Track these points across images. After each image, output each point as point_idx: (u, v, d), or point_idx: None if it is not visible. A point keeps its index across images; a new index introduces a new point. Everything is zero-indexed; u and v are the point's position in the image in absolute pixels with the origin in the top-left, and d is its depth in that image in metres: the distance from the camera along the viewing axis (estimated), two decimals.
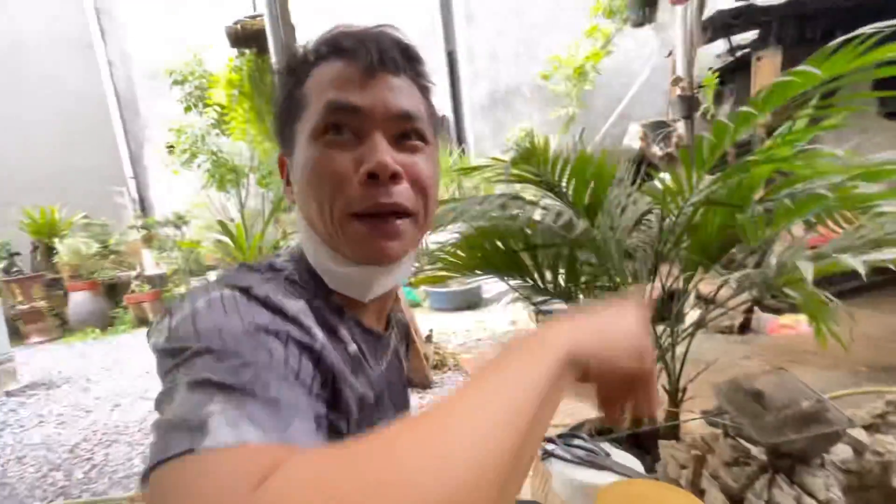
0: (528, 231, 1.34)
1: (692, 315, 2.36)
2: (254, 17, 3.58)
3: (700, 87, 3.70)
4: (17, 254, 5.23)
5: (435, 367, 2.84)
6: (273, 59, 2.38)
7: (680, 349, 1.44)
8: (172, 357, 0.33)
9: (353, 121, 0.43)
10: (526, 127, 5.25)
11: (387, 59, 0.45)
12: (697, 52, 3.59)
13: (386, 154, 0.43)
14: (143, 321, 5.04)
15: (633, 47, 5.40)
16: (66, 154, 5.67)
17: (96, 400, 3.01)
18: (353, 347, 0.47)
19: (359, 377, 0.46)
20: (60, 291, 5.16)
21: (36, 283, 5.03)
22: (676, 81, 3.72)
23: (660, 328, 1.43)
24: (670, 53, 4.14)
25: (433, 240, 1.60)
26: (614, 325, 0.39)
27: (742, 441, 1.23)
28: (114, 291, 5.25)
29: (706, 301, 3.03)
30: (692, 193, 1.14)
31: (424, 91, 0.49)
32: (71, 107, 5.70)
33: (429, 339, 2.98)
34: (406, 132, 0.45)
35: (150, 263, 5.35)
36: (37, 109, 5.61)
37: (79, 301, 5.05)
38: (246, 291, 0.38)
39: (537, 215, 1.36)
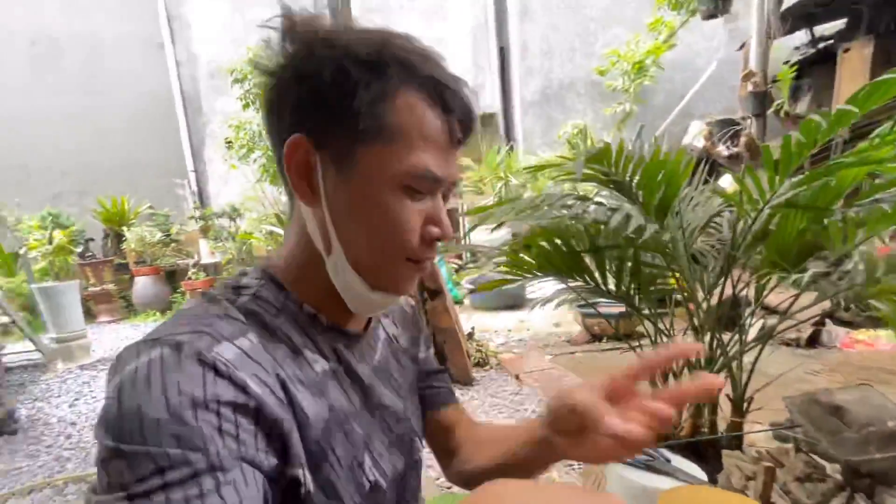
0: (591, 231, 1.31)
1: (755, 325, 2.24)
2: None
3: (774, 81, 3.45)
4: (91, 240, 5.67)
5: (477, 364, 2.85)
6: None
7: (747, 359, 1.37)
8: (99, 446, 0.35)
9: (433, 187, 0.47)
10: (578, 123, 5.13)
11: (471, 132, 0.49)
12: (773, 44, 3.35)
13: (447, 220, 0.49)
14: None
15: (698, 40, 5.15)
16: (136, 148, 6.09)
17: None
18: (320, 366, 0.48)
19: (329, 392, 0.47)
20: (127, 275, 5.56)
21: (106, 267, 5.44)
22: (748, 76, 3.46)
23: (725, 336, 1.37)
24: (742, 46, 3.87)
25: (484, 239, 1.59)
26: None
27: (815, 457, 1.16)
28: (173, 277, 5.60)
29: (772, 311, 2.87)
30: (773, 195, 1.08)
31: None
32: (142, 104, 6.12)
33: (470, 336, 2.99)
34: (446, 195, 0.51)
35: (206, 252, 5.65)
36: (112, 106, 6.06)
37: (142, 285, 5.42)
38: (178, 349, 0.36)
39: (591, 210, 1.33)
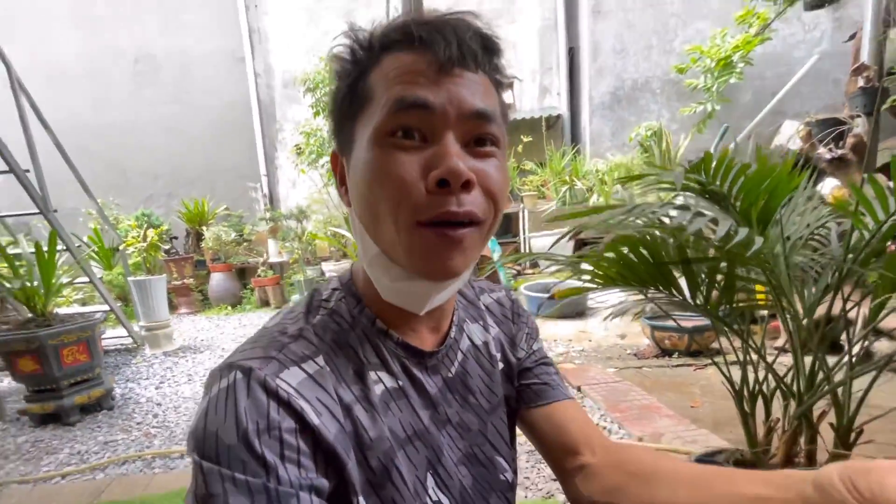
0: (683, 242, 1.21)
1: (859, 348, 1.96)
2: None
3: (890, 75, 3.02)
4: (175, 238, 6.17)
5: None
6: None
7: (854, 385, 1.19)
8: (194, 465, 0.37)
9: (423, 121, 0.39)
10: (652, 125, 4.81)
11: (465, 51, 0.40)
12: (890, 33, 2.95)
13: (458, 159, 0.39)
14: (265, 302, 5.70)
15: (796, 32, 4.67)
16: (217, 154, 6.59)
17: None
18: (382, 386, 0.46)
19: (388, 414, 0.46)
20: (204, 271, 5.99)
21: (187, 263, 5.89)
22: (860, 70, 3.05)
23: (830, 359, 1.20)
24: (853, 36, 3.44)
25: (539, 245, 1.50)
26: None
27: None
28: (244, 274, 5.97)
29: (884, 334, 2.50)
30: None
31: (500, 88, 0.45)
32: (224, 114, 6.62)
33: None
34: (481, 136, 0.41)
35: (275, 252, 5.95)
36: (198, 116, 6.61)
37: (217, 281, 5.81)
38: (248, 374, 0.38)
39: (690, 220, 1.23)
